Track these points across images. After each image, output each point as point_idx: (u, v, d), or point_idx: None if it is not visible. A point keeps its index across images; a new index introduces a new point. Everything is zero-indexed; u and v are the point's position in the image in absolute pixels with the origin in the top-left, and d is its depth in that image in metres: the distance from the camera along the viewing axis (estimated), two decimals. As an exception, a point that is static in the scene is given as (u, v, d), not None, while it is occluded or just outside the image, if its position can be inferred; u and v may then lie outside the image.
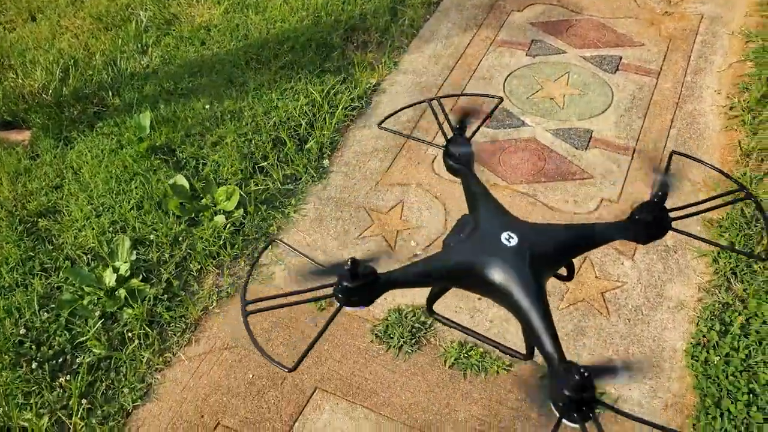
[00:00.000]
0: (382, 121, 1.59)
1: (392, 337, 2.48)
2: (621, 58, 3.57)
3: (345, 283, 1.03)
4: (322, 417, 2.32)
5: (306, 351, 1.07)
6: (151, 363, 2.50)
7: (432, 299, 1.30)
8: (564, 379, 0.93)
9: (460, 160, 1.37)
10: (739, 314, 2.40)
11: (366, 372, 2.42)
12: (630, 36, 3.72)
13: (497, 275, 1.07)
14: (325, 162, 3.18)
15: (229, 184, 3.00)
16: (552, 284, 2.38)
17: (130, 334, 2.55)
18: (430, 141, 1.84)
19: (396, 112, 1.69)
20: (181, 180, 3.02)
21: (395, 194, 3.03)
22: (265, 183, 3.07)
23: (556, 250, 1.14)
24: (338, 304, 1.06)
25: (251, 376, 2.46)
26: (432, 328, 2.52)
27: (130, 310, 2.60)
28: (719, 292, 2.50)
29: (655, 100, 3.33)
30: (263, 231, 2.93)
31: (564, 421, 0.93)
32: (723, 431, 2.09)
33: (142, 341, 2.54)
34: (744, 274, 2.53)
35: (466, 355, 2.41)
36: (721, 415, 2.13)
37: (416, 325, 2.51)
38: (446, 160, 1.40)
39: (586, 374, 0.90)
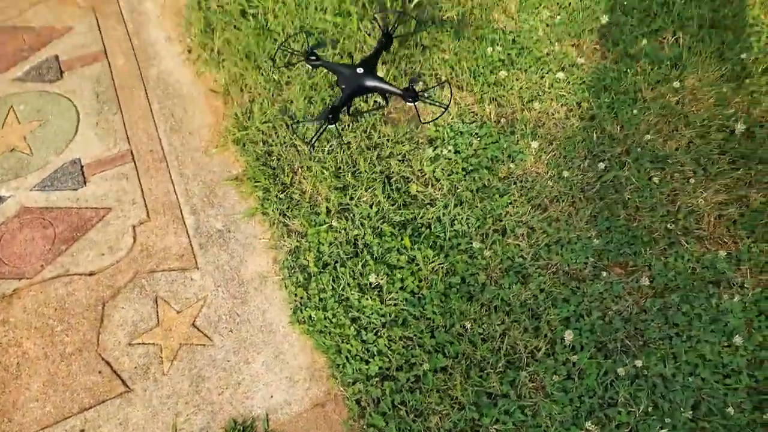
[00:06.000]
0: None
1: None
2: (58, 56, 3.06)
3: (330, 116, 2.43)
4: None
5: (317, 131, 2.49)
6: None
7: (341, 105, 2.50)
8: (404, 88, 2.49)
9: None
10: (308, 250, 2.40)
11: None
12: (52, 26, 3.19)
13: (369, 83, 2.51)
14: None
15: None
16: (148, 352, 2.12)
17: None
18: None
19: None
20: None
21: None
22: None
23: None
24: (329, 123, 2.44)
25: None
26: None
27: None
28: (284, 241, 2.46)
29: (119, 84, 2.97)
30: None
31: (408, 103, 2.52)
32: (355, 372, 2.13)
33: None
34: (290, 209, 2.51)
35: None
36: (347, 358, 2.17)
37: None
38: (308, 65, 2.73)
39: (411, 86, 2.47)
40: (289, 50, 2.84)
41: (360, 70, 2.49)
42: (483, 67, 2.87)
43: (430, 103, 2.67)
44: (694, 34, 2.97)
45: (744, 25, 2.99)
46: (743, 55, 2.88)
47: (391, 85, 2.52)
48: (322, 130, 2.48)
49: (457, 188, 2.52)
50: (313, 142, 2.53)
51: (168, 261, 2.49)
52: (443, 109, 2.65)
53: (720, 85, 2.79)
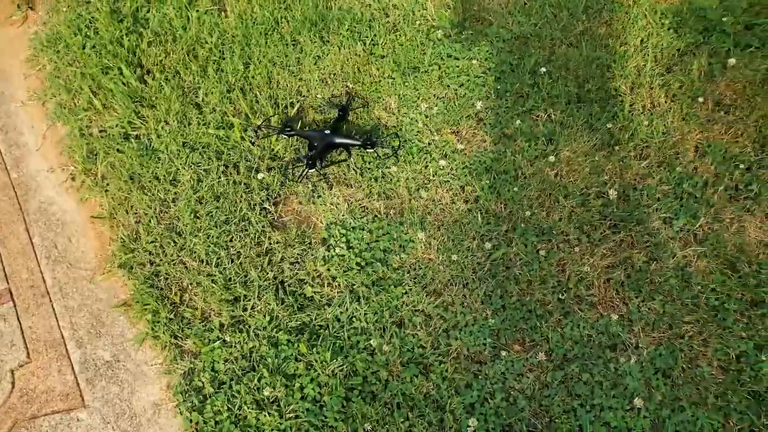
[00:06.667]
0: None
1: None
2: (-70, 200, 2.93)
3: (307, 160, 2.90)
4: None
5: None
6: None
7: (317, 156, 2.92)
8: (363, 139, 2.97)
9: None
10: (203, 370, 2.29)
11: None
12: (-75, 169, 3.07)
13: (337, 140, 2.95)
14: None
15: None
16: None
17: None
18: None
19: None
20: None
21: None
22: None
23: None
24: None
25: None
26: None
27: None
28: (177, 364, 2.33)
29: None
30: None
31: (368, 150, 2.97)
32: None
33: None
34: (181, 330, 2.41)
35: None
36: (250, 483, 2.02)
37: None
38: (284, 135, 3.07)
39: (369, 135, 3.01)
40: (268, 126, 3.08)
41: (328, 132, 2.97)
42: (369, 163, 2.93)
43: (385, 146, 3.04)
44: (564, 110, 3.16)
45: (608, 97, 3.22)
46: (609, 125, 3.07)
47: (353, 139, 2.97)
48: (303, 174, 2.91)
49: (353, 284, 2.49)
50: (298, 180, 2.90)
51: (51, 403, 2.30)
52: (398, 147, 3.04)
53: (593, 154, 2.95)
